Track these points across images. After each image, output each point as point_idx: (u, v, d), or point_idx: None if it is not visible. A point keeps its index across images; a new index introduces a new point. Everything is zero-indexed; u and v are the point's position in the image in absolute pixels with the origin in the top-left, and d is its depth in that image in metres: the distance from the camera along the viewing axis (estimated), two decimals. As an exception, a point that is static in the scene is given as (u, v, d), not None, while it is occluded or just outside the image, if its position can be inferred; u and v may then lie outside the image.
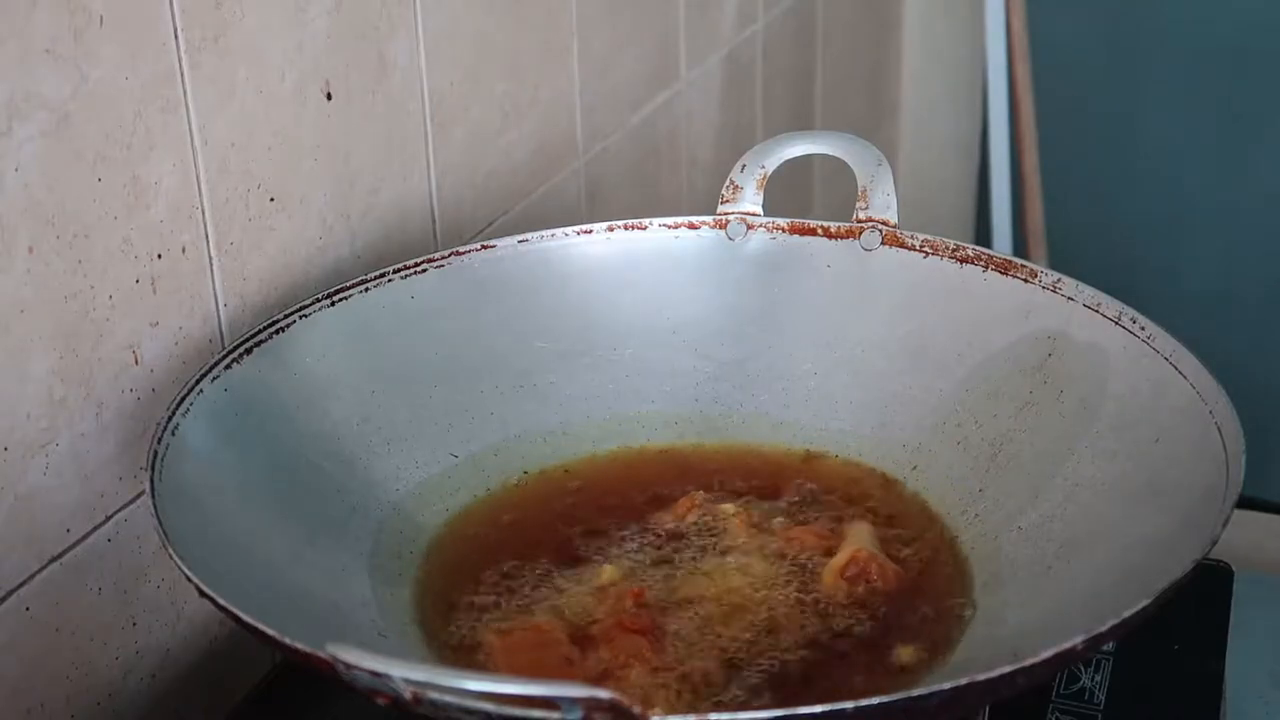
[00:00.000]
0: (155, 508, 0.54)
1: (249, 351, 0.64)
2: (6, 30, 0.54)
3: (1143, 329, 0.64)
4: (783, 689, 0.56)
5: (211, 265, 0.67)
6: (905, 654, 0.58)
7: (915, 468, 0.69)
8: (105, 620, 0.64)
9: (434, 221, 0.84)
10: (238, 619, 0.49)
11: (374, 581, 0.62)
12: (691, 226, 0.76)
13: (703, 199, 1.18)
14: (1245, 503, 0.55)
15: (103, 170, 0.60)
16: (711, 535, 0.65)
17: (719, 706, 0.55)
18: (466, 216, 0.87)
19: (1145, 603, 0.48)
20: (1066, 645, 0.47)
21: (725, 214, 0.75)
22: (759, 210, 0.75)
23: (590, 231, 0.75)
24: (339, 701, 0.62)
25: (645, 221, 0.76)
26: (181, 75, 0.63)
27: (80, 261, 0.59)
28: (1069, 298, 0.67)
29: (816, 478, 0.70)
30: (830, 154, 0.74)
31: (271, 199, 0.70)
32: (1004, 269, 0.70)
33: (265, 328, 0.65)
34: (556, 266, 0.75)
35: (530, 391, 0.73)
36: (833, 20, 1.49)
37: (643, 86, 1.08)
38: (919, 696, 0.45)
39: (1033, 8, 1.73)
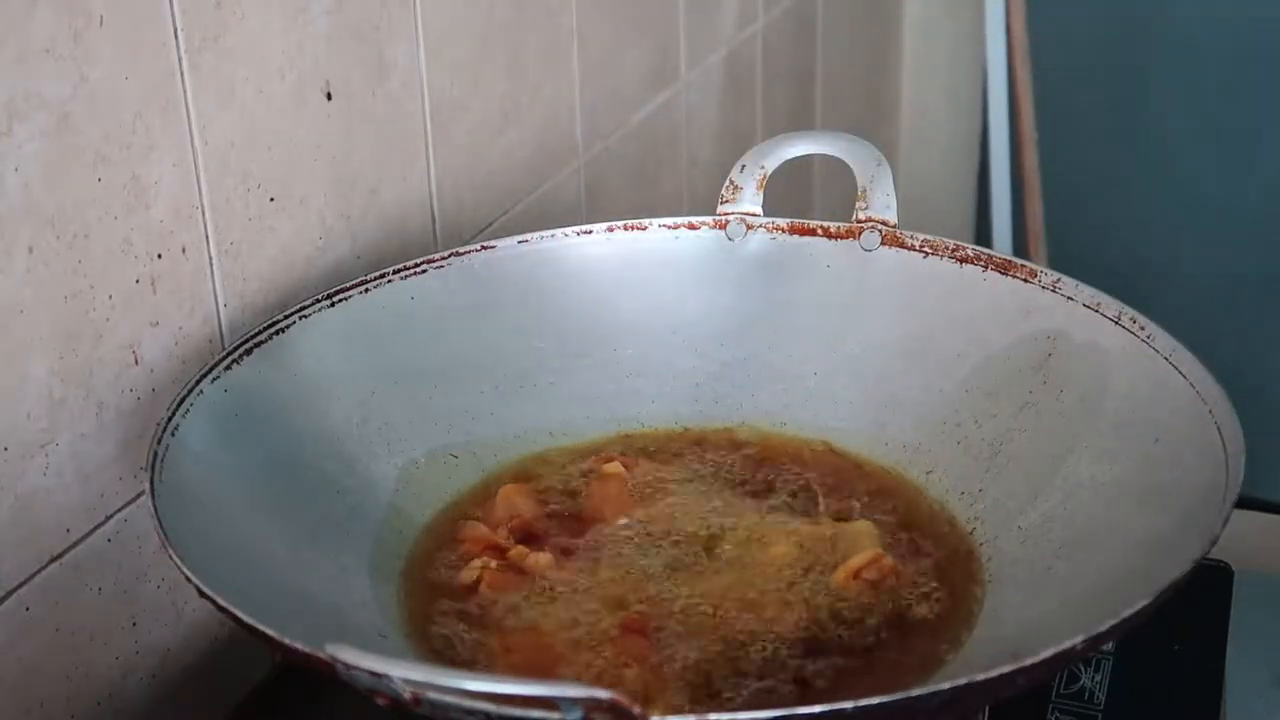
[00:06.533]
0: (155, 508, 0.54)
1: (249, 352, 0.64)
2: (6, 30, 0.54)
3: (1143, 329, 0.64)
4: (784, 688, 0.56)
5: (211, 265, 0.67)
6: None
7: (915, 467, 0.69)
8: (105, 620, 0.64)
9: (434, 221, 0.84)
10: (238, 619, 0.49)
11: (374, 581, 0.62)
12: (691, 227, 0.76)
13: (703, 199, 1.18)
14: (1245, 503, 0.55)
15: (103, 170, 0.60)
16: (713, 534, 0.65)
17: (719, 706, 0.55)
18: (466, 216, 0.87)
19: (1145, 603, 0.48)
20: (1066, 645, 0.47)
21: (725, 214, 0.75)
22: (759, 210, 0.75)
23: (590, 232, 0.75)
24: (339, 701, 0.62)
25: (645, 222, 0.76)
26: (181, 75, 0.63)
27: (80, 261, 0.59)
28: (1069, 297, 0.67)
29: (817, 478, 0.70)
30: (830, 154, 0.74)
31: (271, 199, 0.70)
32: (1004, 269, 0.70)
33: (265, 328, 0.65)
34: (556, 266, 0.75)
35: (530, 391, 0.73)
36: (833, 20, 1.49)
37: (643, 86, 1.08)
38: (919, 696, 0.45)
39: (1033, 8, 1.73)
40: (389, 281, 0.70)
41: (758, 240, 0.75)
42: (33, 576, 0.60)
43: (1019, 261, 0.69)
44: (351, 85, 0.74)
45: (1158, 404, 0.61)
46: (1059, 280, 0.68)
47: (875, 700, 0.44)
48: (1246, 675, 0.68)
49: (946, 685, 0.45)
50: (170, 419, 0.59)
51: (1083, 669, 0.66)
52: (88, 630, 0.63)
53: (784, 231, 0.75)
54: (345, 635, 0.52)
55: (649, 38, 1.08)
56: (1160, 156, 1.84)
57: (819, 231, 0.75)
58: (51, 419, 0.60)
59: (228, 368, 0.63)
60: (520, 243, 0.74)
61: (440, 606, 0.62)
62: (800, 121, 1.44)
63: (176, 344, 0.66)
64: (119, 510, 0.64)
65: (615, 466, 0.69)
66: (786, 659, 0.57)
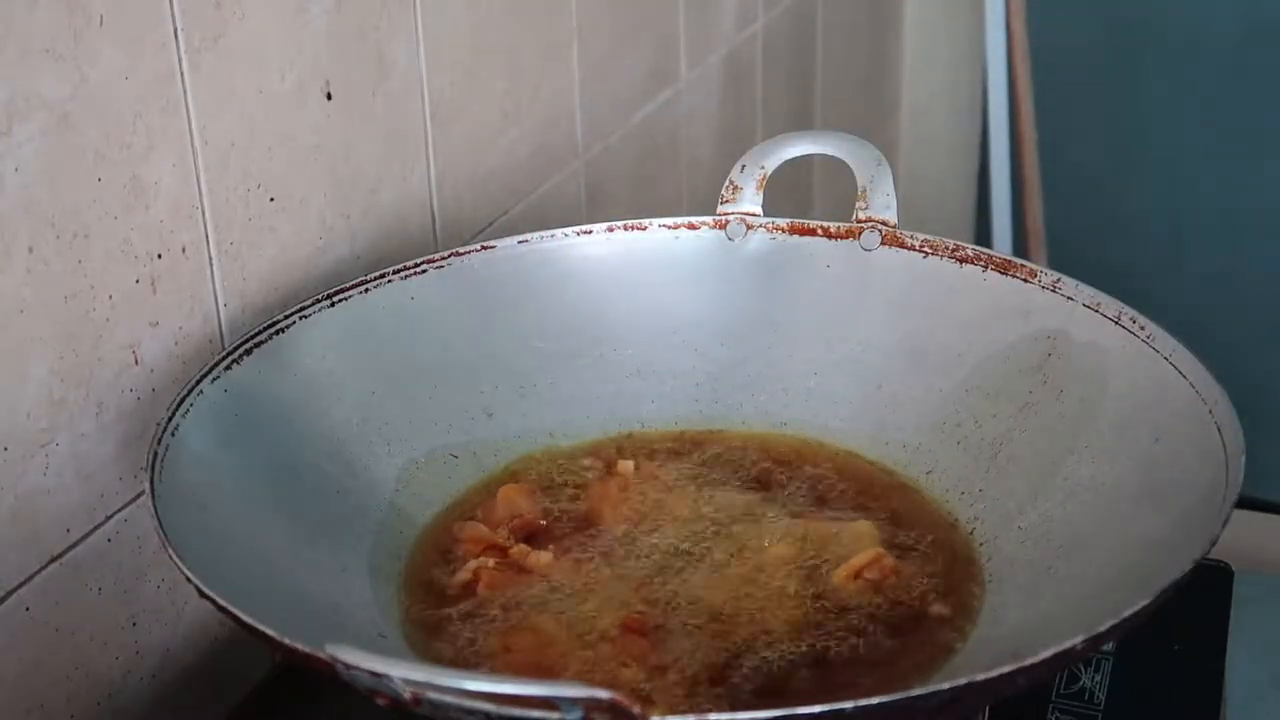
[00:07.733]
0: (155, 508, 0.54)
1: (249, 352, 0.64)
2: (6, 30, 0.54)
3: (1142, 329, 0.64)
4: (784, 688, 0.56)
5: (211, 265, 0.67)
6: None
7: (915, 467, 0.69)
8: (105, 620, 0.64)
9: (434, 221, 0.84)
10: (237, 619, 0.49)
11: (374, 581, 0.62)
12: (691, 227, 0.76)
13: (703, 199, 1.18)
14: (1245, 503, 0.55)
15: (103, 170, 0.60)
16: (713, 533, 0.65)
17: (719, 706, 0.55)
18: (466, 216, 0.87)
19: (1145, 602, 0.48)
20: (1066, 645, 0.47)
21: (725, 214, 0.75)
22: (759, 210, 0.75)
23: (590, 232, 0.75)
24: (339, 701, 0.62)
25: (645, 222, 0.76)
26: (181, 75, 0.63)
27: (80, 261, 0.59)
28: (1069, 297, 0.67)
29: (817, 478, 0.70)
30: (830, 154, 0.74)
31: (271, 199, 0.70)
32: (1004, 269, 0.70)
33: (265, 328, 0.65)
34: (556, 267, 0.75)
35: (530, 392, 0.73)
36: (833, 20, 1.49)
37: (643, 86, 1.08)
38: (919, 696, 0.45)
39: (1033, 8, 1.73)
40: (389, 281, 0.70)
41: (758, 240, 0.75)
42: (33, 576, 0.60)
43: (1019, 261, 0.69)
44: (351, 85, 0.74)
45: (1158, 404, 0.61)
46: (1059, 280, 0.68)
47: (875, 700, 0.44)
48: (1246, 675, 0.68)
49: (946, 685, 0.45)
50: (170, 419, 0.59)
51: (1083, 669, 0.66)
52: (88, 630, 0.63)
53: (784, 231, 0.75)
54: (345, 635, 0.53)
55: (649, 38, 1.08)
56: (1160, 156, 1.84)
57: (819, 231, 0.75)
58: (51, 419, 0.60)
59: (228, 368, 0.63)
60: (520, 243, 0.74)
61: (440, 606, 0.62)
62: (800, 121, 1.44)
63: (176, 344, 0.66)
64: (119, 510, 0.64)
65: (627, 465, 0.69)
66: (786, 658, 0.57)
